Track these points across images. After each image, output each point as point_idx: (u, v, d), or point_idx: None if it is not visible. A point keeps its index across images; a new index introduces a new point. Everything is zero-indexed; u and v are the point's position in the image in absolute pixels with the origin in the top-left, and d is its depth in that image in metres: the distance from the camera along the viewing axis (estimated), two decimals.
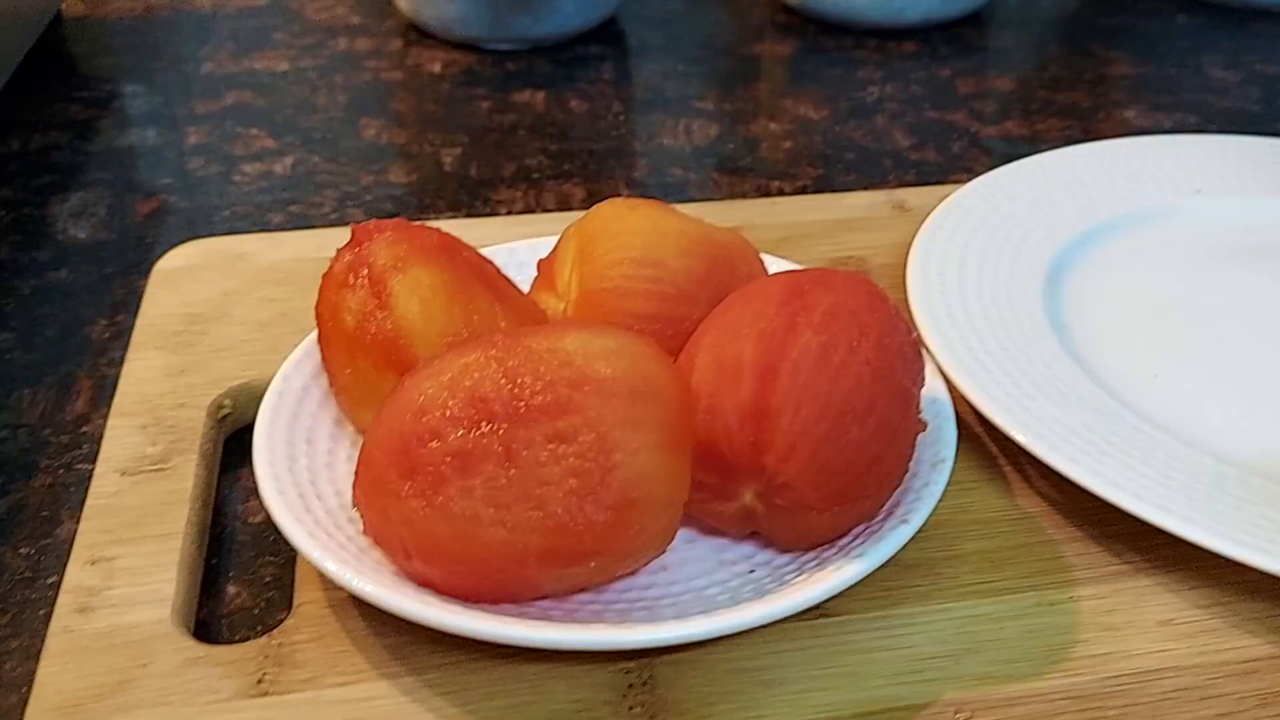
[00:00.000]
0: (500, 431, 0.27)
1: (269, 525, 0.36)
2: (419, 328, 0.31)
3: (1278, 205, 0.50)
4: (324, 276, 0.33)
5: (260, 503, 0.37)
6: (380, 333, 0.31)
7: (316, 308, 0.33)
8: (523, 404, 0.27)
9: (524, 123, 0.64)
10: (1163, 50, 0.75)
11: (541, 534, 0.26)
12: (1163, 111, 0.67)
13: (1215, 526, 0.32)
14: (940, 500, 0.32)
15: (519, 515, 0.26)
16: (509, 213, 0.55)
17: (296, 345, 0.40)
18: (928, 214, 0.48)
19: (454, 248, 0.33)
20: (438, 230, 0.34)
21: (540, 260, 0.37)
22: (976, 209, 0.48)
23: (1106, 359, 0.41)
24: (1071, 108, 0.67)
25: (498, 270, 0.35)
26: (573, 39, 0.74)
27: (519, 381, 0.27)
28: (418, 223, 0.35)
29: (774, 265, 0.40)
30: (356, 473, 0.29)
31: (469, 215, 0.55)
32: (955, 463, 0.34)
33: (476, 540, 0.27)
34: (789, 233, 0.50)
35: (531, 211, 0.56)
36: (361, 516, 0.29)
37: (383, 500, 0.29)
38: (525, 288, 0.38)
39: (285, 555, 0.35)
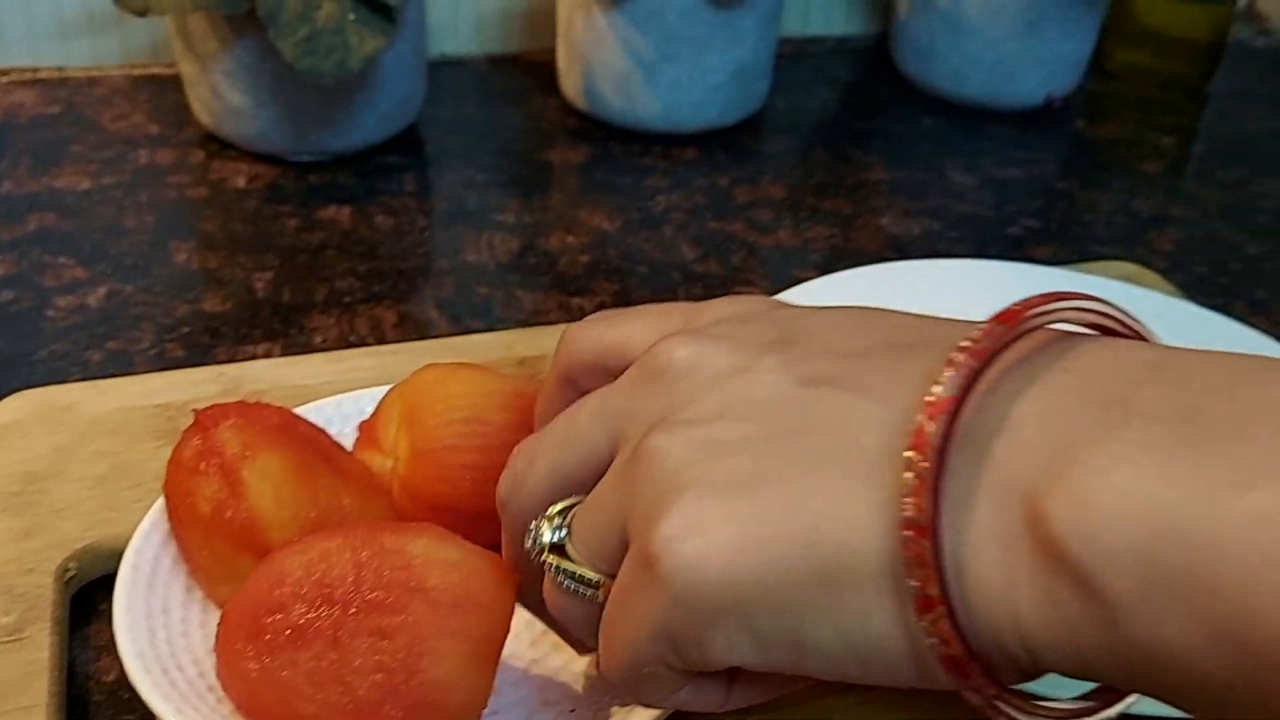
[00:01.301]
0: (334, 616, 0.31)
1: (121, 683, 0.38)
2: (273, 513, 0.34)
3: None
4: (171, 462, 0.36)
5: (111, 661, 0.40)
6: (236, 519, 0.34)
7: (166, 489, 0.36)
8: (360, 597, 0.31)
9: (332, 241, 0.68)
10: (912, 154, 0.84)
11: (343, 716, 0.31)
12: (912, 218, 0.75)
13: None
14: None
15: (329, 695, 0.31)
16: (323, 341, 0.59)
17: (134, 502, 0.43)
18: None
19: (292, 425, 0.37)
20: (276, 409, 0.38)
21: (362, 422, 0.41)
22: None
23: None
24: (835, 215, 0.75)
25: (330, 440, 0.39)
26: (374, 148, 0.78)
27: (362, 575, 0.31)
28: (255, 401, 0.38)
29: None
30: (218, 625, 0.33)
31: (285, 345, 0.58)
32: None
33: (291, 709, 0.31)
34: None
35: (346, 338, 0.59)
36: (217, 665, 0.33)
37: (229, 656, 0.33)
38: (353, 437, 0.42)
39: (141, 712, 0.38)
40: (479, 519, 0.38)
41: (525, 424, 0.39)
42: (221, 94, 0.72)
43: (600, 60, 0.80)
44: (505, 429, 0.38)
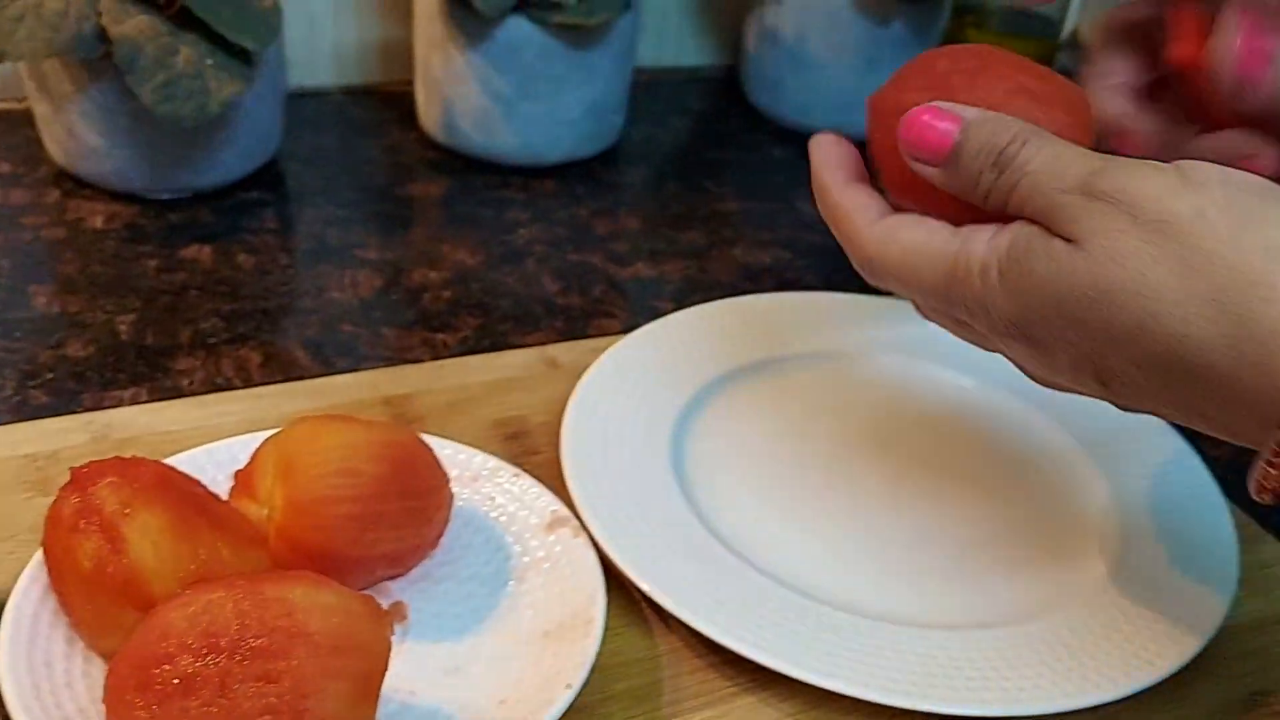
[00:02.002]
0: (220, 664, 0.33)
1: None
2: (154, 568, 0.36)
3: (858, 362, 0.62)
4: (49, 519, 0.37)
5: None
6: (118, 574, 0.36)
7: (45, 546, 0.37)
8: (245, 644, 0.33)
9: (194, 281, 0.68)
10: (762, 185, 0.88)
11: None
12: (763, 248, 0.79)
13: (795, 656, 0.42)
14: (595, 658, 0.40)
15: None
16: (190, 383, 0.59)
17: (8, 554, 0.44)
18: (576, 370, 0.57)
19: (169, 480, 0.38)
20: (152, 463, 0.39)
21: (238, 471, 0.42)
22: (617, 373, 0.57)
23: (720, 507, 0.51)
24: (690, 247, 0.78)
25: (206, 491, 0.40)
26: (234, 184, 0.78)
27: (245, 624, 0.33)
28: (130, 456, 0.39)
29: (445, 451, 0.48)
30: (106, 678, 0.34)
31: (152, 389, 0.58)
32: (607, 610, 0.42)
33: None
34: (456, 396, 0.57)
35: (212, 380, 0.60)
36: (106, 716, 0.34)
37: (119, 708, 0.34)
38: (226, 484, 0.43)
39: None
40: (353, 564, 0.40)
41: (395, 473, 0.41)
42: (77, 134, 0.72)
43: (458, 96, 0.82)
44: (376, 479, 0.41)
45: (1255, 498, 0.35)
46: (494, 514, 0.48)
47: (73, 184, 0.76)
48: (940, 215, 0.40)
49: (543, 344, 0.64)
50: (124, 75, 0.65)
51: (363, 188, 0.81)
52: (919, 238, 0.39)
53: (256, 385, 0.59)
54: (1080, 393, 0.39)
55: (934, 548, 0.51)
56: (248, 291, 0.68)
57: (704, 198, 0.85)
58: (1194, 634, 0.46)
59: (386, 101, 0.94)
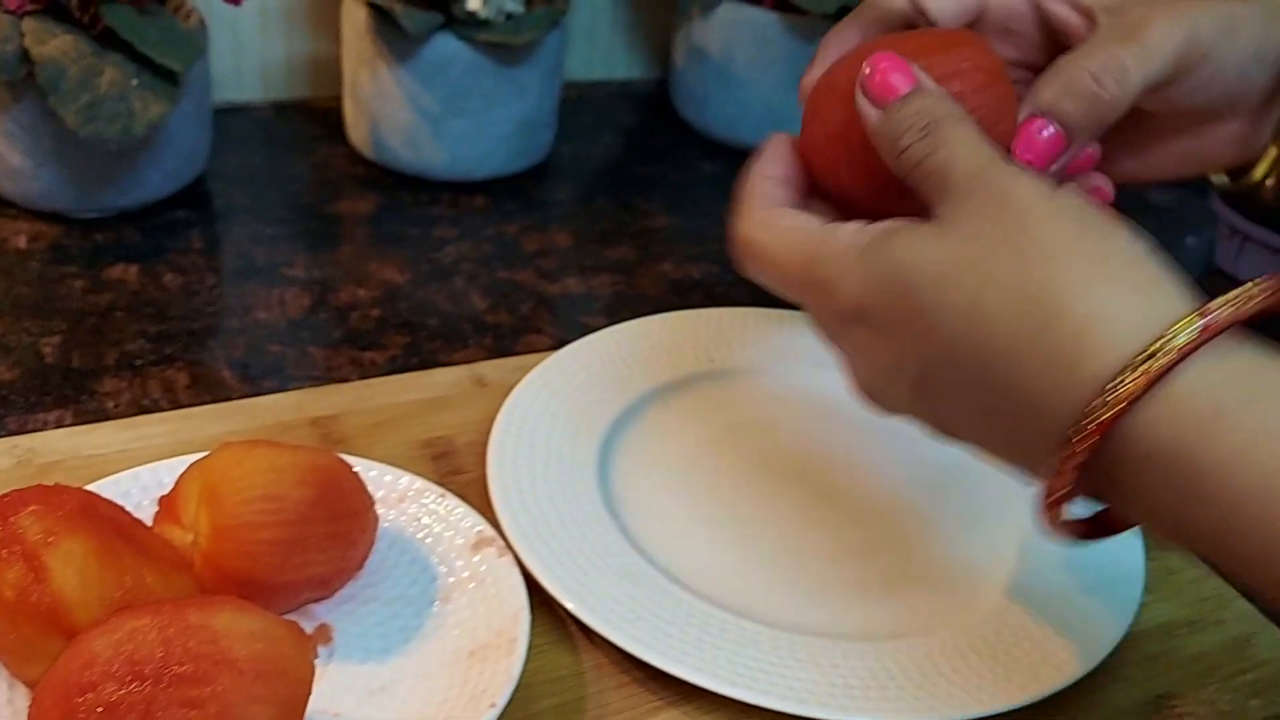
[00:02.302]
0: (145, 692, 0.33)
1: None
2: (78, 596, 0.36)
3: (785, 378, 0.63)
4: None
5: None
6: (42, 603, 0.36)
7: None
8: (169, 671, 0.33)
9: (120, 302, 0.68)
10: (690, 200, 0.89)
11: None
12: (692, 263, 0.80)
13: (717, 671, 0.43)
14: (519, 676, 0.41)
15: None
16: (116, 406, 0.59)
17: None
18: (504, 388, 0.58)
19: (92, 507, 0.39)
20: (76, 491, 0.39)
21: (161, 497, 0.43)
22: (543, 391, 0.58)
23: (645, 524, 0.52)
24: (619, 263, 0.79)
25: (130, 517, 0.40)
26: (160, 203, 0.78)
27: (170, 650, 0.33)
28: (54, 484, 0.39)
29: (371, 473, 0.48)
30: (30, 706, 0.35)
31: (78, 412, 0.58)
32: (532, 628, 0.43)
33: None
34: (383, 416, 0.58)
35: (138, 402, 0.60)
36: None
37: None
38: (151, 509, 0.43)
39: None
40: (279, 588, 0.40)
41: (320, 497, 0.42)
42: (0, 154, 0.72)
43: (387, 114, 0.82)
44: (301, 503, 0.41)
45: (1041, 517, 0.36)
46: (419, 535, 0.48)
47: None
48: (861, 199, 0.42)
49: (471, 362, 0.65)
50: (47, 96, 0.64)
51: (290, 205, 0.81)
52: (795, 224, 0.41)
53: (183, 407, 0.59)
54: (894, 407, 0.40)
55: (852, 561, 0.53)
56: (174, 312, 0.68)
57: (633, 213, 0.86)
58: (1101, 640, 0.48)
59: (314, 116, 0.94)
